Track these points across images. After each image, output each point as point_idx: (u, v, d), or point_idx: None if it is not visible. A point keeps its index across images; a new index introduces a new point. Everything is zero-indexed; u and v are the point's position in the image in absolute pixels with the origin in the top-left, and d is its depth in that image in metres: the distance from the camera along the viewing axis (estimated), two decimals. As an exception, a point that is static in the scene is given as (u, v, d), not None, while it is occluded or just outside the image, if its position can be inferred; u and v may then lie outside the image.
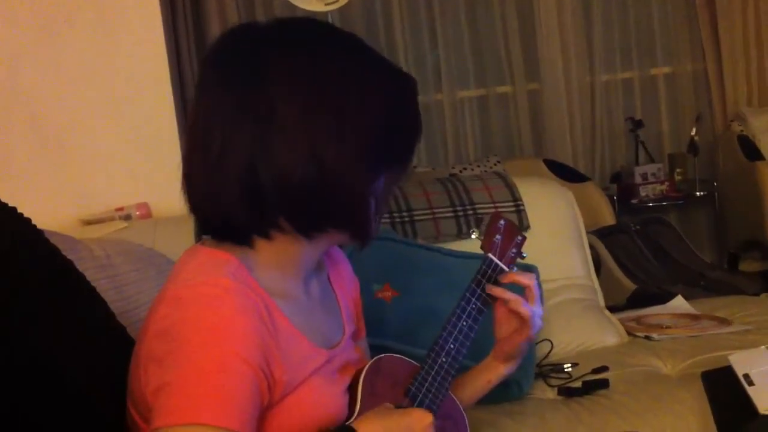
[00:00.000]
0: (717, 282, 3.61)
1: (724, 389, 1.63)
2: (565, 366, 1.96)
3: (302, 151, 1.05)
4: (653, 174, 4.43)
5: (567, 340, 2.11)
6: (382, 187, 1.14)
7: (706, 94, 4.76)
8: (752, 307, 2.34)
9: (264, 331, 1.04)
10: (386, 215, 2.14)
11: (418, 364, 1.25)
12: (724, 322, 2.23)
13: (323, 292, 1.25)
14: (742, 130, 4.35)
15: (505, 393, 1.78)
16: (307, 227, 1.11)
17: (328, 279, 1.29)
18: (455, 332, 1.26)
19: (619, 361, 1.98)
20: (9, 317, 1.03)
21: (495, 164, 4.22)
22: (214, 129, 1.07)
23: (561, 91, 4.62)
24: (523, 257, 1.36)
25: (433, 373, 1.24)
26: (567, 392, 1.83)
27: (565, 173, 4.20)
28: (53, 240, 1.23)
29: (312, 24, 1.14)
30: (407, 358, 1.27)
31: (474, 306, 1.29)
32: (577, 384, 1.86)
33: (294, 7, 3.31)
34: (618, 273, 3.54)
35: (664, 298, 2.56)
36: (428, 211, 2.21)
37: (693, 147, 4.37)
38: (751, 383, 1.54)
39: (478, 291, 1.30)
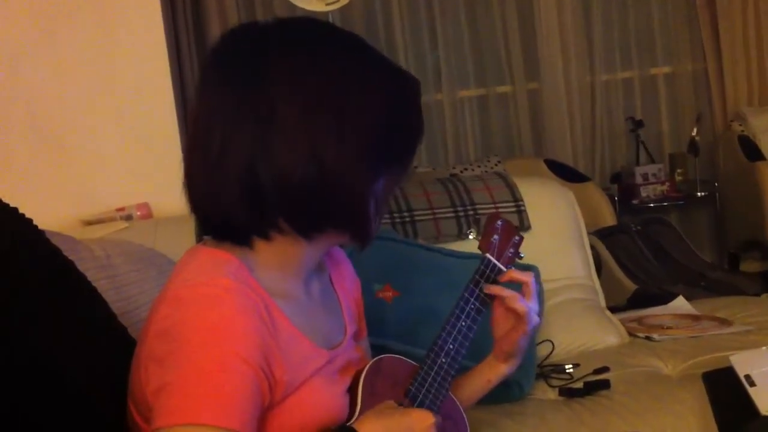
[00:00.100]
0: (718, 282, 3.60)
1: (725, 390, 1.63)
2: (566, 366, 1.96)
3: (302, 151, 1.05)
4: (654, 174, 4.42)
5: (568, 341, 2.11)
6: (383, 187, 1.14)
7: (706, 94, 4.75)
8: (753, 307, 2.34)
9: (264, 331, 1.04)
10: (387, 215, 2.14)
11: (418, 365, 1.25)
12: (725, 322, 2.23)
13: (324, 293, 1.25)
14: (742, 130, 4.35)
15: (505, 393, 1.78)
16: (307, 228, 1.11)
17: (330, 279, 1.29)
18: (454, 332, 1.26)
19: (620, 361, 1.98)
20: (9, 317, 1.03)
21: (496, 164, 4.22)
22: (215, 128, 1.07)
23: (561, 91, 4.62)
24: (520, 257, 1.36)
25: (432, 373, 1.24)
26: (568, 393, 1.83)
27: (566, 173, 4.20)
28: (54, 240, 1.22)
29: (313, 24, 1.14)
30: (407, 359, 1.27)
31: (472, 306, 1.29)
32: (578, 384, 1.86)
33: (294, 7, 3.31)
34: (619, 273, 3.54)
35: (665, 298, 2.56)
36: (429, 212, 2.21)
37: (693, 147, 4.37)
38: (752, 384, 1.54)
39: (477, 291, 1.30)
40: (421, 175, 3.96)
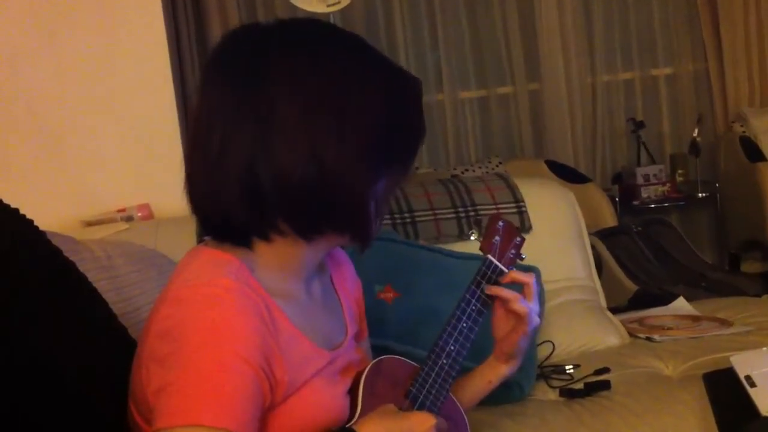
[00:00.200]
0: (718, 283, 3.60)
1: (725, 390, 1.63)
2: (567, 367, 1.96)
3: (302, 151, 1.05)
4: (655, 175, 4.42)
5: (568, 342, 2.11)
6: (383, 188, 1.14)
7: (707, 95, 4.76)
8: (753, 308, 2.33)
9: (265, 332, 1.04)
10: (388, 216, 2.14)
11: (419, 366, 1.25)
12: (725, 323, 2.23)
13: (325, 294, 1.25)
14: (743, 131, 4.35)
15: (506, 394, 1.78)
16: (307, 229, 1.11)
17: (331, 280, 1.29)
18: (455, 334, 1.26)
19: (621, 362, 1.98)
20: (9, 317, 1.03)
21: (497, 165, 4.22)
22: (215, 128, 1.07)
23: (562, 91, 4.62)
24: (522, 258, 1.36)
25: (433, 374, 1.24)
26: (568, 393, 1.83)
27: (567, 174, 4.20)
28: (54, 241, 1.23)
29: (313, 24, 1.14)
30: (408, 360, 1.27)
31: (474, 307, 1.29)
32: (579, 385, 1.85)
33: (295, 9, 3.31)
34: (619, 274, 3.54)
35: (666, 299, 2.56)
36: (429, 212, 2.21)
37: (694, 148, 4.37)
38: (753, 385, 1.54)
39: (478, 292, 1.30)
40: (422, 175, 3.96)
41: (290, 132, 1.05)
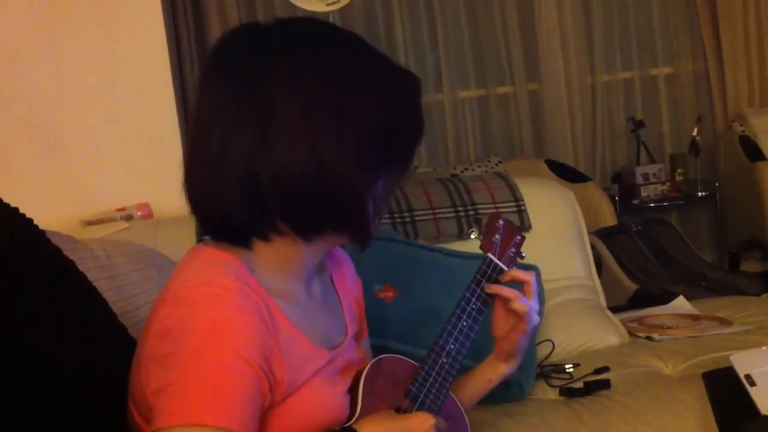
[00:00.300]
0: (718, 282, 3.60)
1: (725, 390, 1.63)
2: (567, 366, 1.96)
3: (302, 151, 1.05)
4: (654, 174, 4.42)
5: (568, 341, 2.11)
6: (383, 187, 1.14)
7: (707, 94, 4.76)
8: (753, 307, 2.34)
9: (265, 332, 1.04)
10: (387, 215, 2.14)
11: (419, 365, 1.25)
12: (725, 322, 2.23)
13: (325, 293, 1.25)
14: (743, 130, 4.35)
15: (506, 393, 1.78)
16: (306, 229, 1.11)
17: (331, 279, 1.29)
18: (455, 332, 1.26)
19: (621, 361, 1.98)
20: (9, 317, 1.03)
21: (496, 164, 4.22)
22: (215, 128, 1.07)
23: (562, 91, 4.62)
24: (522, 257, 1.36)
25: (433, 373, 1.24)
26: (568, 393, 1.83)
27: (566, 173, 4.20)
28: (54, 240, 1.23)
29: (313, 24, 1.14)
30: (408, 359, 1.27)
31: (474, 306, 1.29)
32: (579, 384, 1.85)
33: (295, 8, 3.31)
34: (619, 273, 3.54)
35: (666, 298, 2.56)
36: (429, 212, 2.21)
37: (694, 147, 4.37)
38: (752, 383, 1.54)
39: (478, 291, 1.30)
40: (422, 175, 3.96)
41: (290, 132, 1.05)
